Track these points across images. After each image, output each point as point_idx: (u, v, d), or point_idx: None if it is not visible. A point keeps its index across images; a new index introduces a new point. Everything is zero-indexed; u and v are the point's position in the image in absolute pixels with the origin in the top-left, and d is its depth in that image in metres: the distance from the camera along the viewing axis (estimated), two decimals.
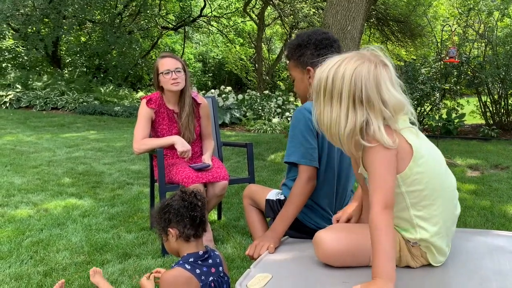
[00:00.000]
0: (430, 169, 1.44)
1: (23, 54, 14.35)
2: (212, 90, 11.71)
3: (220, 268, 1.79)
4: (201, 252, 1.76)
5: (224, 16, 18.34)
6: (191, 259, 1.72)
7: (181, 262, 1.73)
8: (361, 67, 1.37)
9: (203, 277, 1.71)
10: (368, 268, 1.42)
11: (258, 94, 11.50)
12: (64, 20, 13.28)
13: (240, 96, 10.97)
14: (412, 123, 1.43)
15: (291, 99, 11.77)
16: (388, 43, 14.30)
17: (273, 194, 2.14)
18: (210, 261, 1.77)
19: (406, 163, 1.40)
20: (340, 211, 1.83)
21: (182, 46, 19.36)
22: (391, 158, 1.36)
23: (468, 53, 9.73)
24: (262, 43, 16.13)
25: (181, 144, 2.90)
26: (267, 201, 2.12)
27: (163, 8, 17.32)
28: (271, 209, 2.09)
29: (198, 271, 1.71)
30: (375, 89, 1.35)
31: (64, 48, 15.84)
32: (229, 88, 11.14)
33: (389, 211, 1.33)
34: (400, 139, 1.39)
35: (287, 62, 2.16)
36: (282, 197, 2.08)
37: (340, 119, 1.37)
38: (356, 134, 1.36)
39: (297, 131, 1.93)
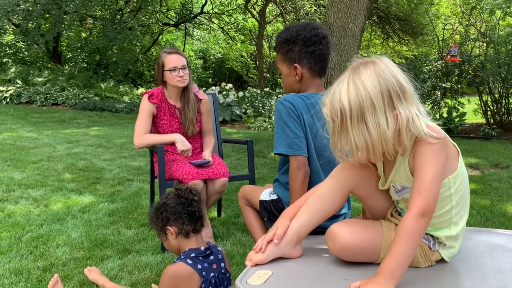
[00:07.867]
0: (463, 166, 1.44)
1: (23, 50, 14.30)
2: (213, 87, 11.69)
3: (222, 265, 1.79)
4: (202, 248, 1.76)
5: (225, 13, 18.30)
6: (193, 255, 1.73)
7: (182, 257, 1.73)
8: (373, 68, 1.29)
9: (204, 273, 1.71)
10: (369, 266, 1.42)
11: (258, 91, 11.49)
12: (65, 16, 13.25)
13: (240, 93, 10.96)
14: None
15: None
16: (389, 40, 14.28)
17: (266, 194, 2.13)
18: (211, 257, 1.77)
19: (456, 163, 1.38)
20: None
21: (183, 42, 19.32)
22: (443, 162, 1.30)
23: (469, 52, 9.72)
24: (263, 41, 16.08)
25: (182, 143, 2.90)
26: (261, 202, 2.12)
27: (164, 4, 17.28)
28: (265, 210, 2.09)
29: (199, 266, 1.71)
30: (400, 78, 1.29)
31: (65, 44, 15.80)
32: (229, 85, 11.12)
33: (425, 220, 1.27)
34: (447, 140, 1.34)
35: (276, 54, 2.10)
36: (275, 197, 2.08)
37: (382, 127, 1.25)
38: (402, 132, 1.27)
39: (280, 122, 1.93)
